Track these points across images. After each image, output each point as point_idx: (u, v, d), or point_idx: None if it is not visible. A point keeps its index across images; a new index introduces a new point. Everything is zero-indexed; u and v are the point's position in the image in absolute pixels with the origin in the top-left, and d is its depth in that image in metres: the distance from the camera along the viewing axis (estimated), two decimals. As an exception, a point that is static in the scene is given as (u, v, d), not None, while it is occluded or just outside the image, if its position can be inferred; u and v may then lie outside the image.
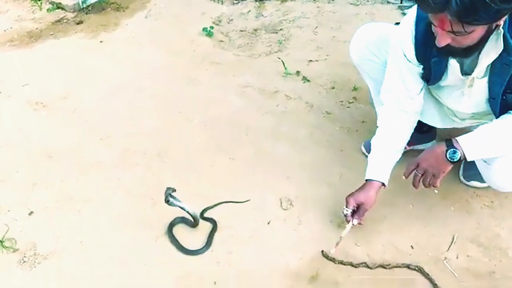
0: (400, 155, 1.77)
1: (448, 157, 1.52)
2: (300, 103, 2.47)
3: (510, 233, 1.78)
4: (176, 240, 1.75)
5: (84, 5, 3.32)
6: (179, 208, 1.73)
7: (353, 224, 1.71)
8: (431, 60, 1.58)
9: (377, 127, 1.80)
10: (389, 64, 1.74)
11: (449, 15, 1.26)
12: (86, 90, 2.57)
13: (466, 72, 1.56)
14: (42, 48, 2.95)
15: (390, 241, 1.77)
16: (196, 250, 1.73)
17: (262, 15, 3.23)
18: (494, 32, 1.39)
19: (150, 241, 1.77)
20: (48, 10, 3.31)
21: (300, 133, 2.27)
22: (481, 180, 1.87)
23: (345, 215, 1.72)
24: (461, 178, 1.99)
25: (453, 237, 1.77)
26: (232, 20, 3.21)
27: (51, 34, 3.08)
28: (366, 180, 1.74)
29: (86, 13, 3.29)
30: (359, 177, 1.89)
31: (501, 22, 1.37)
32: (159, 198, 1.74)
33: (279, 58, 2.71)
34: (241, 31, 3.10)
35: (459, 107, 1.71)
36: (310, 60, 2.77)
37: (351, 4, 3.26)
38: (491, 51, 1.44)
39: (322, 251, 1.71)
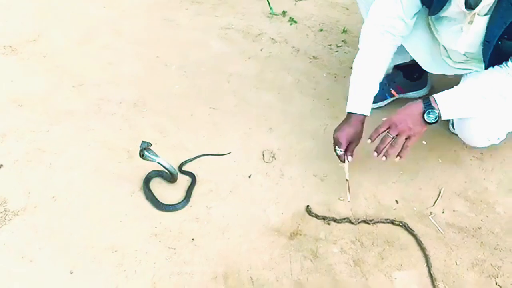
0: (378, 86, 1.66)
1: (425, 118, 1.45)
2: (285, 47, 2.33)
3: (498, 187, 1.73)
4: (153, 195, 1.68)
5: None
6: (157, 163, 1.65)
7: (349, 162, 1.63)
8: None
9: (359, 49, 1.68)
10: None
11: None
12: (58, 32, 2.41)
13: (470, 5, 1.43)
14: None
15: (374, 195, 1.71)
16: (174, 205, 1.66)
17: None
18: None
19: (126, 196, 1.70)
20: None
21: (285, 80, 2.16)
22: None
23: (339, 155, 1.63)
24: (450, 127, 1.91)
25: (440, 191, 1.72)
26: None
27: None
28: (349, 112, 1.63)
29: None
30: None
31: None
32: (136, 150, 1.65)
33: (263, -3, 2.54)
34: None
35: (455, 44, 1.58)
36: (298, -1, 2.61)
37: None
38: None
39: (307, 206, 1.66)
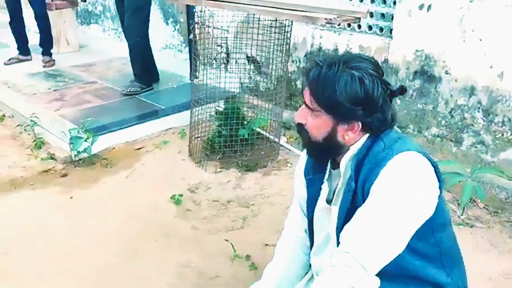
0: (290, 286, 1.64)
1: None
2: (237, 294, 2.25)
3: None
4: None
5: (76, 158, 3.44)
6: None
7: None
8: (306, 177, 1.58)
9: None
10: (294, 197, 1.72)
11: (307, 85, 1.37)
12: (28, 250, 2.52)
13: (329, 201, 1.52)
14: (15, 198, 3.01)
15: None
16: None
17: (240, 187, 3.17)
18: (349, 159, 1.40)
19: None
20: (42, 159, 3.46)
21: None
22: None
23: None
24: None
25: None
26: (209, 188, 3.17)
27: (31, 184, 3.16)
28: None
29: (75, 166, 3.40)
30: None
31: (348, 137, 1.38)
32: None
33: (226, 240, 2.55)
34: (214, 201, 3.03)
35: (328, 252, 1.54)
36: (266, 244, 2.59)
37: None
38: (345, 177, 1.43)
39: None
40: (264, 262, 2.41)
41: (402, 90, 1.41)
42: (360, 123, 1.35)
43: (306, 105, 1.38)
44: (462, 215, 2.80)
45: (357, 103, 1.30)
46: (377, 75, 1.33)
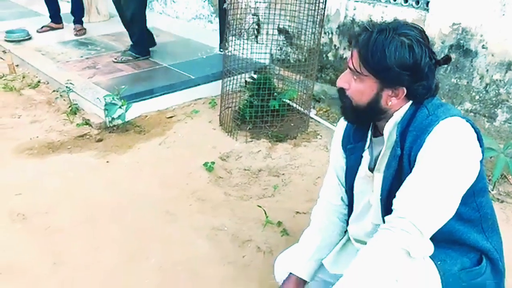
0: (327, 251, 1.67)
1: None
2: (269, 258, 2.31)
3: None
4: None
5: (110, 124, 3.52)
6: None
7: None
8: (347, 146, 1.59)
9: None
10: (329, 167, 1.75)
11: (355, 48, 1.36)
12: (67, 210, 2.62)
13: (371, 168, 1.53)
14: (54, 161, 3.11)
15: None
16: None
17: (271, 157, 3.21)
18: (393, 126, 1.42)
19: None
20: (77, 125, 3.55)
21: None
22: None
23: None
24: None
25: None
26: (240, 157, 3.22)
27: (68, 148, 3.26)
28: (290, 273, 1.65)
29: (110, 132, 3.48)
30: None
31: (391, 103, 1.39)
32: None
33: (259, 206, 2.61)
34: (245, 169, 3.08)
35: (368, 219, 1.58)
36: (297, 212, 2.65)
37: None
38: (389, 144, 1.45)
39: None
40: (296, 229, 2.49)
41: (447, 59, 1.41)
42: (405, 89, 1.37)
43: (351, 69, 1.40)
44: (493, 190, 2.80)
45: (405, 69, 1.32)
46: (425, 43, 1.35)
